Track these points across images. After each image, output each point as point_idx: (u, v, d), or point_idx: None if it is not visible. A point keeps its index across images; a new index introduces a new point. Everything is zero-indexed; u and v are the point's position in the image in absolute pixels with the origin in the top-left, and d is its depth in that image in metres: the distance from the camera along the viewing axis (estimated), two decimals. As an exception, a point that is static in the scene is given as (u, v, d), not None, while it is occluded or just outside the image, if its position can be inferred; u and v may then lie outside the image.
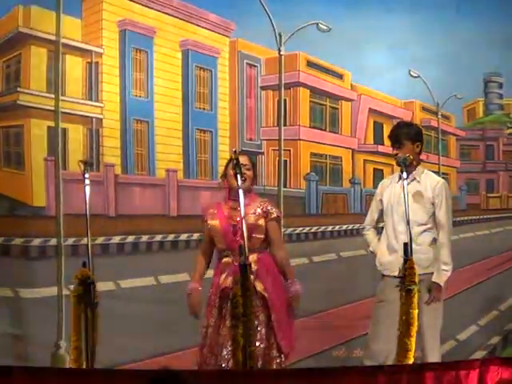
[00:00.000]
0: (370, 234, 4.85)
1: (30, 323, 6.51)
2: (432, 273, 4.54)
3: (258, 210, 4.31)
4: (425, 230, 4.59)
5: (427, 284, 4.50)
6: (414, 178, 4.62)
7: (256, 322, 4.14)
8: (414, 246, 4.16)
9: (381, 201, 4.76)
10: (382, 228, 4.79)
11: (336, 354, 6.19)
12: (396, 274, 4.31)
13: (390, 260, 4.61)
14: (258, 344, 4.14)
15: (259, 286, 4.22)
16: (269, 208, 4.35)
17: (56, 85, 6.05)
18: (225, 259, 4.31)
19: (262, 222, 4.30)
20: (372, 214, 4.83)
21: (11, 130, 9.09)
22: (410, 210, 4.21)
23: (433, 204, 4.60)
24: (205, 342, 4.29)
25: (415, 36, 9.74)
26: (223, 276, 4.25)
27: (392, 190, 4.68)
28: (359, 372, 3.99)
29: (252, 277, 4.06)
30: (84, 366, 3.98)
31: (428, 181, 4.65)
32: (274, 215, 4.36)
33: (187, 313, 4.39)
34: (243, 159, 4.18)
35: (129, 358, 5.75)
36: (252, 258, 4.15)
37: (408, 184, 4.31)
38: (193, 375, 3.73)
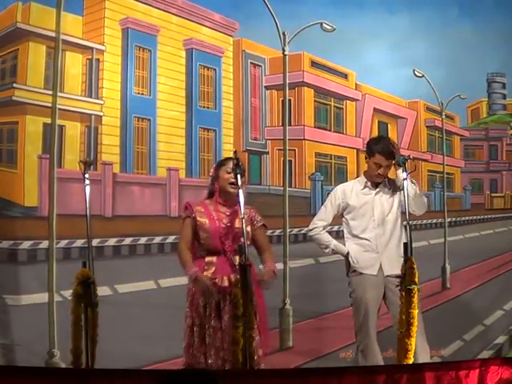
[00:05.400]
0: (324, 234, 4.89)
1: (20, 331, 6.39)
2: None
3: (245, 217, 4.27)
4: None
5: None
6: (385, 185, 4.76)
7: None
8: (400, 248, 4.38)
9: (342, 206, 4.81)
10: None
11: (343, 355, 6.15)
12: (375, 273, 4.63)
13: (368, 260, 4.70)
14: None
15: None
16: (255, 215, 4.37)
17: (54, 81, 5.98)
18: (208, 258, 4.25)
19: (249, 228, 4.27)
20: (327, 217, 4.86)
21: (5, 126, 9.00)
22: (391, 216, 4.65)
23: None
24: (191, 342, 4.23)
25: (419, 36, 9.73)
26: (207, 274, 4.19)
27: (363, 196, 4.76)
28: (359, 372, 4.00)
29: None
30: (84, 366, 3.96)
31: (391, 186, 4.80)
32: (261, 223, 4.40)
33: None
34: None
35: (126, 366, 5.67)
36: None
37: (377, 193, 4.69)
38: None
